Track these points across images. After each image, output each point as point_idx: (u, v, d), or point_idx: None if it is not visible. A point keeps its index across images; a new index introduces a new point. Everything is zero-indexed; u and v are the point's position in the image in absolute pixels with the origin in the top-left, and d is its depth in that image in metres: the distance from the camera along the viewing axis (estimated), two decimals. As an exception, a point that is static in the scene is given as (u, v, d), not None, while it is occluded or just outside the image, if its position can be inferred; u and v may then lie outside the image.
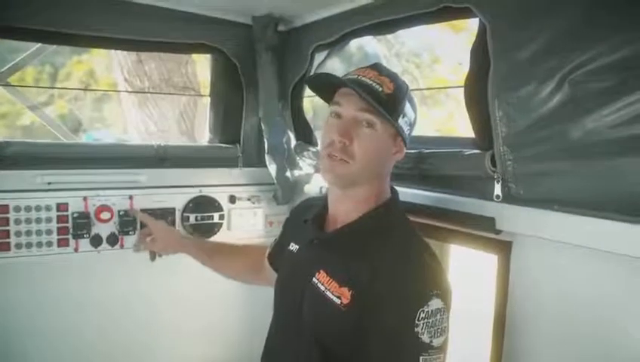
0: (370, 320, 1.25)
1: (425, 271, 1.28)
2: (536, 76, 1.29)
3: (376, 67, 1.39)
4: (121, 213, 2.20)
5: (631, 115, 1.11)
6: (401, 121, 1.37)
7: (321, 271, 1.36)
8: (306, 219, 1.53)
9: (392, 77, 1.38)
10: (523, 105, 1.33)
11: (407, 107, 1.39)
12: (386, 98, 1.32)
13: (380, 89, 1.33)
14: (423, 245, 1.38)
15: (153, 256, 1.94)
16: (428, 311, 1.20)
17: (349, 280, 1.30)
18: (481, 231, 1.56)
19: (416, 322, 1.19)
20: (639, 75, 1.09)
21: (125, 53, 4.30)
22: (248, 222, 2.52)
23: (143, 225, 2.03)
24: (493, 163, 1.46)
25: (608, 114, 1.15)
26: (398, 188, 1.51)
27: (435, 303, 1.22)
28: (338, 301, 1.29)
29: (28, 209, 2.04)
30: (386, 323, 1.24)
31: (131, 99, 4.64)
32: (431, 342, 1.20)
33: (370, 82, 1.33)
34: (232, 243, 2.07)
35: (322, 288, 1.34)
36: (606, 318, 1.28)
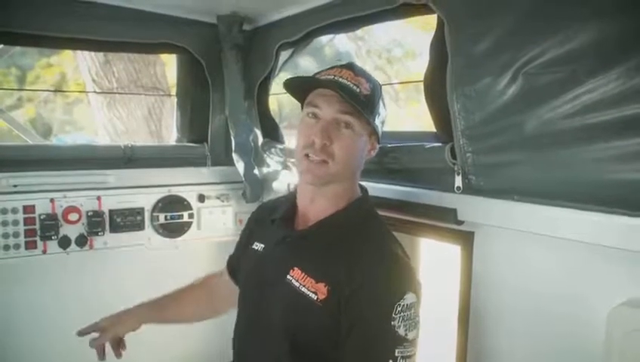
0: (348, 314, 1.26)
1: (400, 266, 1.30)
2: (492, 70, 1.32)
3: (351, 67, 1.39)
4: (89, 214, 2.19)
5: (582, 105, 1.15)
6: (377, 120, 1.39)
7: (296, 268, 1.35)
8: (273, 219, 1.52)
9: (367, 76, 1.39)
10: (480, 98, 1.36)
11: (381, 106, 1.42)
12: (364, 100, 1.34)
13: (358, 90, 1.33)
14: (395, 240, 1.39)
15: (102, 355, 1.72)
16: (404, 305, 1.22)
17: (325, 275, 1.30)
18: (444, 222, 1.58)
19: (393, 316, 1.21)
20: (588, 67, 1.12)
21: (92, 54, 4.26)
22: (218, 221, 2.52)
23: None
24: (454, 155, 1.49)
25: (561, 105, 1.18)
26: (363, 182, 1.52)
27: (409, 297, 1.24)
28: (314, 296, 1.29)
29: None
30: (363, 318, 1.25)
31: (100, 100, 4.60)
32: (406, 335, 1.22)
33: (348, 83, 1.33)
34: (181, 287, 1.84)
35: (297, 284, 1.33)
36: (567, 304, 1.31)
